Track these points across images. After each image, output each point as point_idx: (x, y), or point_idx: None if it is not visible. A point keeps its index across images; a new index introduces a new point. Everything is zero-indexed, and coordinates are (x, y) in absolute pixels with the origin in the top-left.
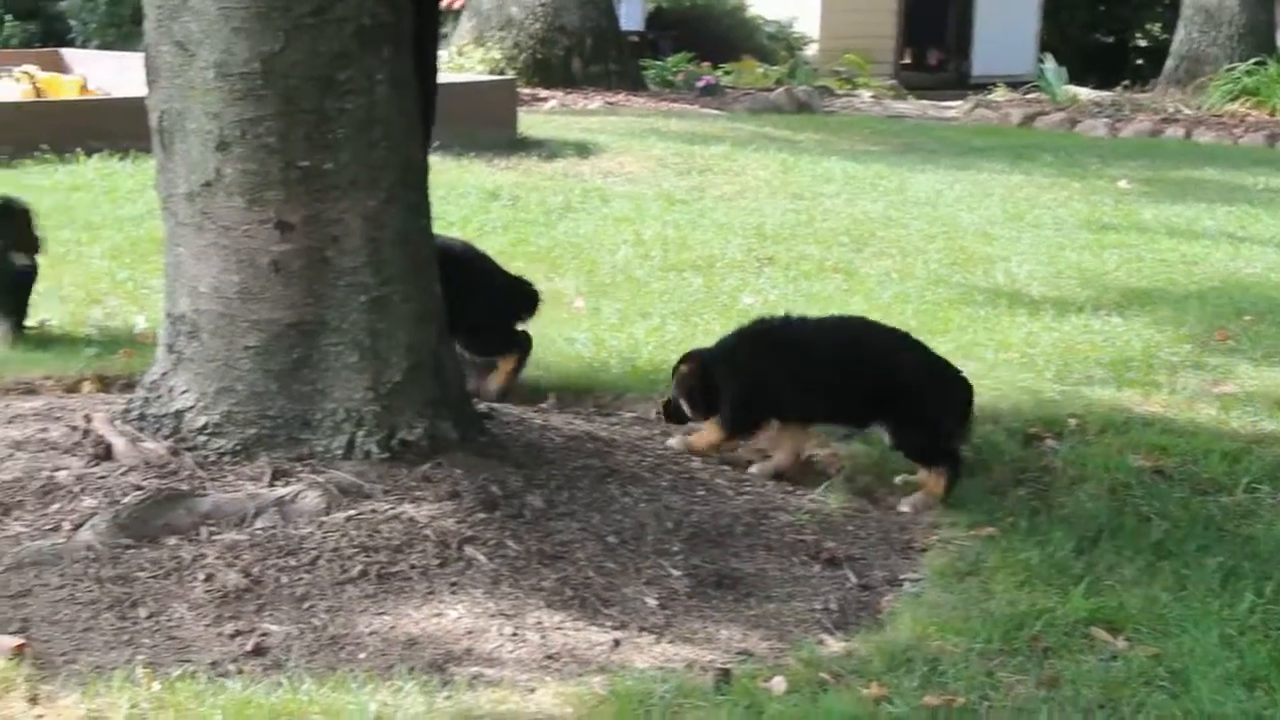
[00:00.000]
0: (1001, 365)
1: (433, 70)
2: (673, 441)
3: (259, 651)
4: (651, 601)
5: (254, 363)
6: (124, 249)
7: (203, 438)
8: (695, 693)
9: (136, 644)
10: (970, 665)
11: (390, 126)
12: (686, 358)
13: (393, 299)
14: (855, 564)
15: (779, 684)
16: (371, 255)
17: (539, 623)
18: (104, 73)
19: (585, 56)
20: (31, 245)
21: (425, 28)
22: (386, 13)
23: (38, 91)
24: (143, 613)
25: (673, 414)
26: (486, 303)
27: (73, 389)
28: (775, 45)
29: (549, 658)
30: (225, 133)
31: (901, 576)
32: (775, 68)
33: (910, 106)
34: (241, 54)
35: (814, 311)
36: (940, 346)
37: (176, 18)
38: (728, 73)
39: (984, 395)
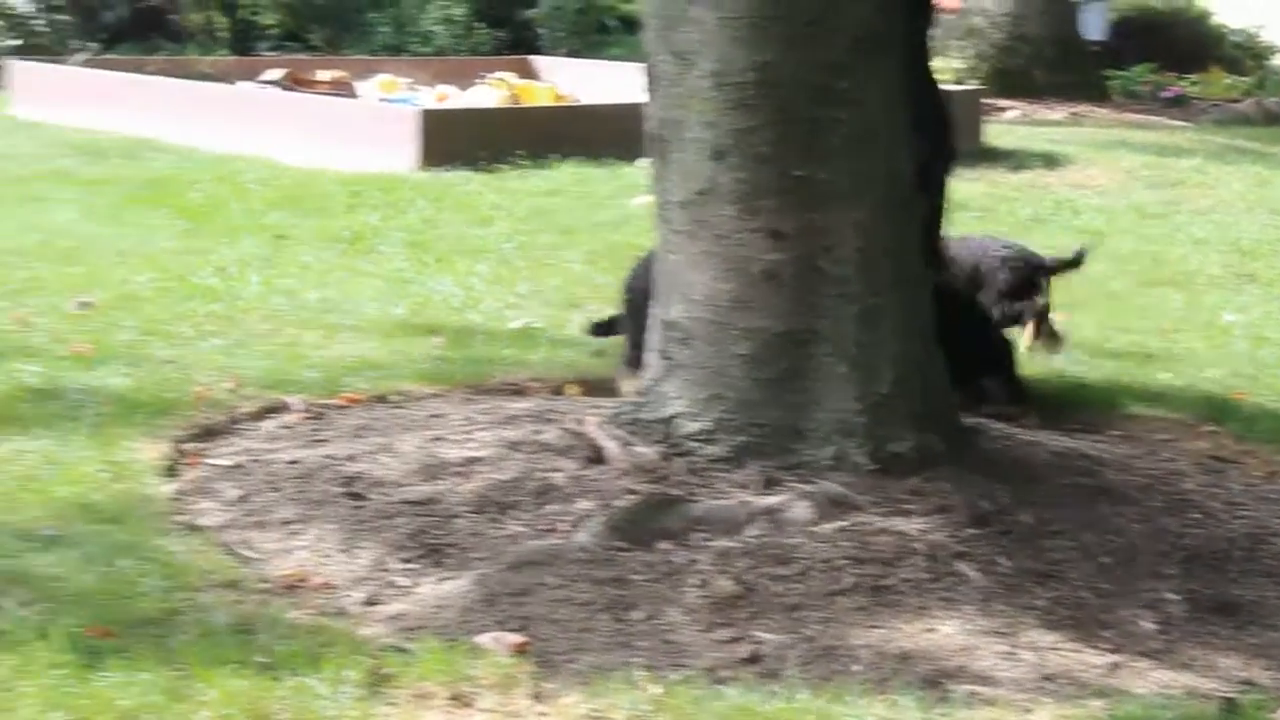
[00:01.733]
0: None
1: (932, 82)
2: None
3: (753, 659)
4: (1148, 625)
5: (744, 370)
6: (601, 254)
7: (694, 444)
8: None
9: (632, 646)
10: None
11: (881, 137)
12: None
13: (882, 310)
14: None
15: None
16: (862, 266)
17: (1033, 642)
18: (572, 79)
19: (1047, 66)
20: None
21: (917, 36)
22: (880, 22)
23: (514, 98)
24: (637, 615)
25: None
26: None
27: (558, 391)
28: (1241, 55)
29: (1045, 678)
30: (720, 142)
31: None
32: (1242, 78)
33: None
34: (738, 63)
35: None
36: None
37: (676, 28)
38: (1193, 83)
39: None
